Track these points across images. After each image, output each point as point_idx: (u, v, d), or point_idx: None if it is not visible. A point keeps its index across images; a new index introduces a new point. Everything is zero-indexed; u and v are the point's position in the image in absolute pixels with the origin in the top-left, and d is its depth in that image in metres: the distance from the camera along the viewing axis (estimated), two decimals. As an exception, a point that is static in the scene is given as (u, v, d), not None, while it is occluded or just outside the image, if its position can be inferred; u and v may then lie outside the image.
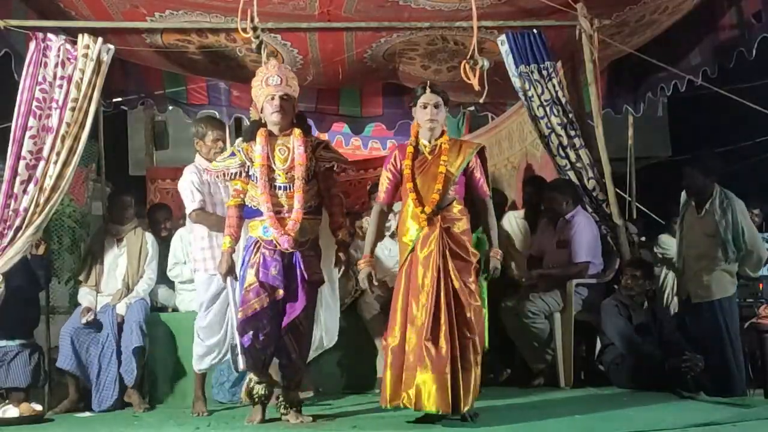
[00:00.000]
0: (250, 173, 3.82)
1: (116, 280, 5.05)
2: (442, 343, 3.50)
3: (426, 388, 3.46)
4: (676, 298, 5.62)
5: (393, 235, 5.35)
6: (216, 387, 4.86)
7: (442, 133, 3.81)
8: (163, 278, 5.33)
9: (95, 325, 4.88)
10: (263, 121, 3.88)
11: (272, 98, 3.81)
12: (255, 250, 3.79)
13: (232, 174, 3.84)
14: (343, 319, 5.07)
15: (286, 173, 3.77)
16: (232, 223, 3.86)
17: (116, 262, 5.10)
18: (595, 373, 5.04)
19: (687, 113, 8.96)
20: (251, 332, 3.76)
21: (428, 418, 3.60)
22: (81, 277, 5.12)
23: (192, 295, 5.22)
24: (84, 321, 4.83)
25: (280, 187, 3.78)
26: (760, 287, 5.97)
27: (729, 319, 4.90)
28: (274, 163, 3.79)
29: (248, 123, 4.22)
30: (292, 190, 3.76)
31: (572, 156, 5.13)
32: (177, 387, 5.02)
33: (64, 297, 5.46)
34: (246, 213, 3.87)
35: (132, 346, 4.75)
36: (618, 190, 5.52)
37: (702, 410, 3.89)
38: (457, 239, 3.67)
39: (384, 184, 3.87)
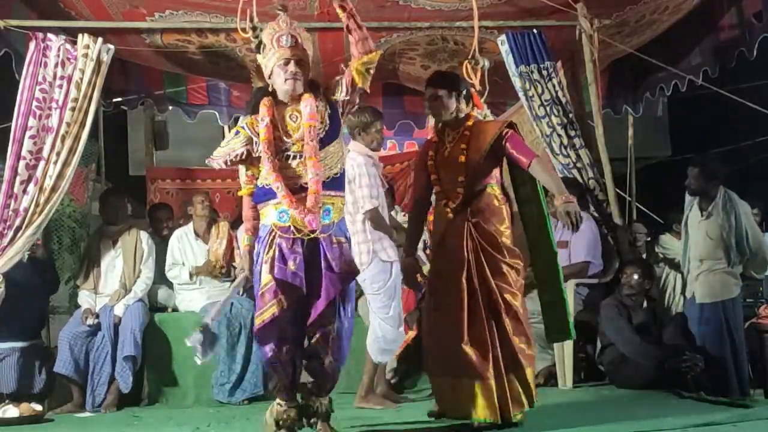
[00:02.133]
0: (260, 151, 3.22)
1: (114, 281, 5.06)
2: (486, 349, 3.26)
3: (470, 396, 3.25)
4: (677, 298, 5.62)
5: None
6: (216, 387, 4.86)
7: (467, 118, 3.54)
8: (162, 278, 5.33)
9: (94, 328, 4.88)
10: (270, 89, 3.31)
11: (285, 62, 3.22)
12: (270, 241, 3.19)
13: (237, 155, 3.24)
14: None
15: (299, 141, 3.20)
16: (248, 215, 3.30)
17: (113, 263, 5.10)
18: (595, 373, 5.04)
19: (687, 113, 8.95)
20: (272, 342, 3.19)
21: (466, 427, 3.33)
22: (79, 281, 5.12)
23: (192, 296, 5.23)
24: (88, 323, 4.84)
25: (294, 157, 3.19)
26: (761, 287, 5.97)
27: (732, 320, 4.90)
28: (286, 133, 3.22)
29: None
30: (293, 164, 3.19)
31: (572, 156, 5.13)
32: (177, 387, 5.01)
33: (64, 297, 5.47)
34: (256, 197, 3.27)
35: (124, 354, 4.76)
36: (618, 190, 5.52)
37: (702, 410, 3.88)
38: (488, 235, 3.38)
39: (418, 180, 3.67)
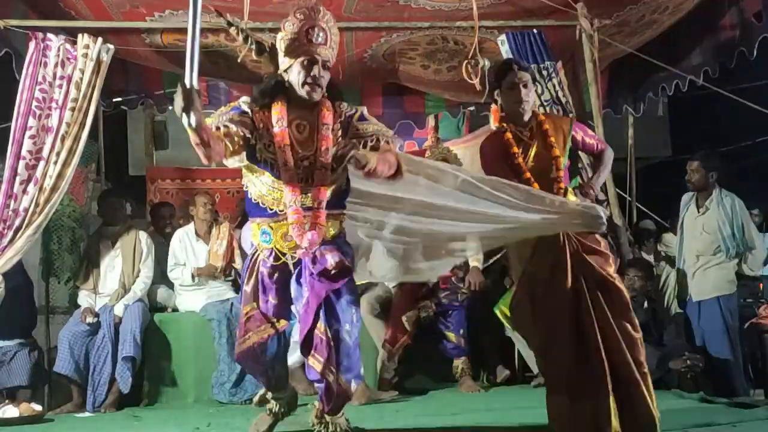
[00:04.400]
0: (262, 150, 2.89)
1: (113, 281, 5.06)
2: (599, 365, 2.97)
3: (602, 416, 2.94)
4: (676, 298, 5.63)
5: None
6: (216, 387, 4.86)
7: (534, 112, 3.34)
8: (162, 278, 5.33)
9: (94, 328, 4.88)
10: (287, 83, 2.92)
11: (308, 63, 2.83)
12: (252, 264, 3.03)
13: (229, 119, 2.84)
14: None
15: (304, 159, 2.88)
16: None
17: (112, 263, 5.10)
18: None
19: (687, 113, 8.95)
20: (252, 368, 3.17)
21: None
22: (78, 281, 5.13)
23: (192, 296, 5.23)
24: (87, 322, 4.84)
25: (301, 178, 2.88)
26: (760, 287, 5.96)
27: (730, 317, 4.94)
28: (294, 143, 2.88)
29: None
30: (312, 181, 2.88)
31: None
32: (177, 387, 5.01)
33: (64, 297, 5.46)
34: (250, 211, 3.04)
35: (123, 355, 4.76)
36: (618, 190, 5.51)
37: (702, 411, 3.88)
38: (588, 237, 3.15)
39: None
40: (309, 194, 2.88)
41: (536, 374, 5.05)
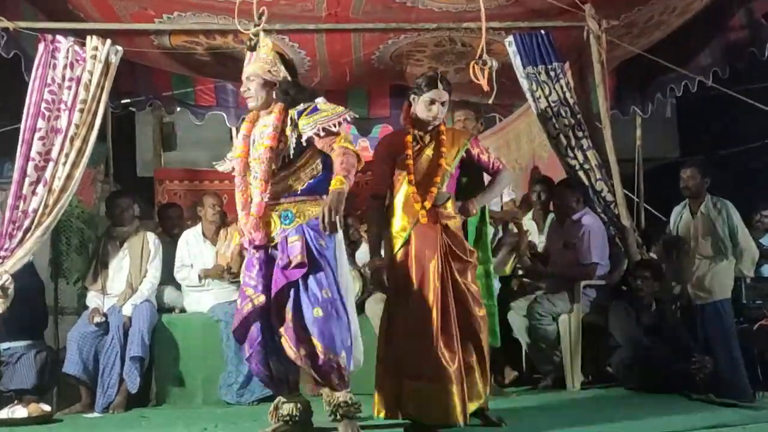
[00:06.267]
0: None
1: (121, 282, 5.07)
2: (455, 351, 3.33)
3: (442, 400, 3.28)
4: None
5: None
6: (224, 388, 4.87)
7: (440, 123, 3.63)
8: (170, 279, 5.34)
9: (103, 328, 4.90)
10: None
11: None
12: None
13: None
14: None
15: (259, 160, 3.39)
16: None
17: (120, 264, 5.12)
18: (603, 375, 5.02)
19: (696, 114, 8.90)
20: (246, 344, 3.42)
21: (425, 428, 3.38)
22: (87, 282, 5.14)
23: (199, 297, 5.24)
24: (95, 322, 4.86)
25: (256, 177, 3.38)
26: (770, 289, 5.96)
27: (731, 319, 5.03)
28: (253, 148, 3.43)
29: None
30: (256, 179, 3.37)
31: (580, 157, 5.11)
32: (185, 388, 5.02)
33: (72, 298, 5.49)
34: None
35: (131, 355, 4.77)
36: (626, 192, 5.50)
37: (711, 412, 3.87)
38: (455, 238, 3.50)
39: (382, 174, 3.63)
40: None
41: (544, 375, 5.06)
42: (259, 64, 3.45)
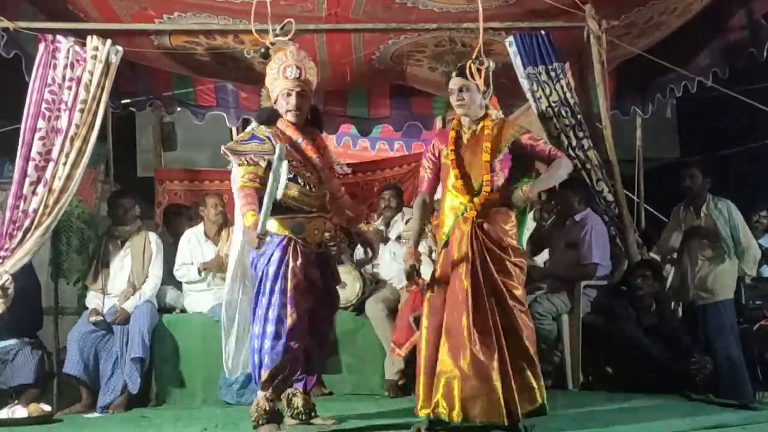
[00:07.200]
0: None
1: (122, 281, 5.08)
2: (493, 350, 3.27)
3: (482, 398, 3.23)
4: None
5: (398, 238, 5.36)
6: (224, 388, 4.87)
7: (486, 115, 3.59)
8: (171, 279, 5.34)
9: (103, 329, 4.90)
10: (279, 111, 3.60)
11: (288, 94, 3.52)
12: (289, 246, 3.48)
13: (266, 160, 3.43)
14: (351, 321, 5.06)
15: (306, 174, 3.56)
16: (252, 201, 3.40)
17: (121, 263, 5.12)
18: (602, 375, 5.02)
19: (696, 114, 8.90)
20: (290, 314, 3.44)
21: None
22: (88, 281, 5.15)
23: (200, 297, 5.24)
24: (92, 321, 4.86)
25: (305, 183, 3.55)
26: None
27: (733, 319, 5.03)
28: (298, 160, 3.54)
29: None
30: (313, 190, 3.56)
31: (581, 157, 5.11)
32: (185, 388, 5.02)
33: (73, 298, 5.49)
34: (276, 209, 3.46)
35: (132, 356, 4.78)
36: (626, 192, 5.51)
37: (711, 413, 3.87)
38: (493, 236, 3.41)
39: (424, 173, 3.64)
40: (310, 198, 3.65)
41: (544, 375, 5.05)
42: (313, 75, 3.62)
